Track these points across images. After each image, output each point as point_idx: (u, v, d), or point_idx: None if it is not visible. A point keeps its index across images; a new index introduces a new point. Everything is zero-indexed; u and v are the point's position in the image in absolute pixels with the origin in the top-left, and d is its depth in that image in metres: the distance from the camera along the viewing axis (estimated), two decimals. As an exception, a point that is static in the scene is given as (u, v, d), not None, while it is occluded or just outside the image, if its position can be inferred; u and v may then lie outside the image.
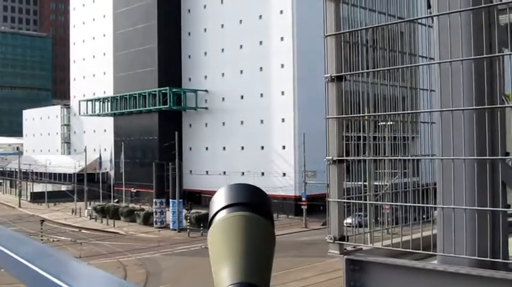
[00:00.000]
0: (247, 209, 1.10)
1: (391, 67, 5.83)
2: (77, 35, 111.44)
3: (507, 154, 5.54)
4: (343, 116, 5.29)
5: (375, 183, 6.32)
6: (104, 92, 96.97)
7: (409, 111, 6.08)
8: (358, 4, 5.68)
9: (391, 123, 6.25)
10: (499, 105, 4.85)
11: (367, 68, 5.95)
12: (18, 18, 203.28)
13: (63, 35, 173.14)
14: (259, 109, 74.55)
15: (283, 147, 72.84)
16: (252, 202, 1.12)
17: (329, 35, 5.24)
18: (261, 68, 75.43)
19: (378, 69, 5.83)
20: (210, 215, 1.13)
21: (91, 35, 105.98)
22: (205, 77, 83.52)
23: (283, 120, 72.77)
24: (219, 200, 1.13)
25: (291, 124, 71.98)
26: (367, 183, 6.05)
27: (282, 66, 73.00)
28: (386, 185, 6.49)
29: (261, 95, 75.11)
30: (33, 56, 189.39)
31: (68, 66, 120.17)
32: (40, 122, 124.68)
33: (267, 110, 73.99)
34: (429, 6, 5.76)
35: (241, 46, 78.15)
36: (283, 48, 72.51)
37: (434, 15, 4.96)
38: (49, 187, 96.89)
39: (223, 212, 1.11)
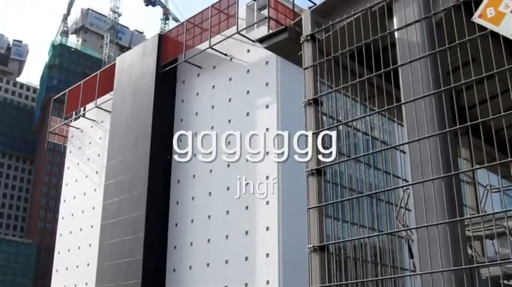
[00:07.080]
0: None
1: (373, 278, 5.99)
2: (63, 244, 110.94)
3: None
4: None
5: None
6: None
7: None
8: (341, 219, 6.00)
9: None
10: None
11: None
12: (5, 224, 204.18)
13: (48, 243, 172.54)
14: (243, 327, 72.23)
15: None
16: None
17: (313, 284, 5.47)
18: (246, 285, 74.48)
19: (362, 280, 5.98)
20: None
21: (77, 244, 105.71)
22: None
23: None
24: None
25: None
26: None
27: (267, 282, 72.19)
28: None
29: (245, 312, 73.30)
30: (16, 263, 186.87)
31: (49, 275, 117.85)
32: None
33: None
34: (412, 257, 5.99)
35: (226, 261, 77.89)
36: (269, 262, 72.31)
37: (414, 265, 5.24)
38: None
39: None
